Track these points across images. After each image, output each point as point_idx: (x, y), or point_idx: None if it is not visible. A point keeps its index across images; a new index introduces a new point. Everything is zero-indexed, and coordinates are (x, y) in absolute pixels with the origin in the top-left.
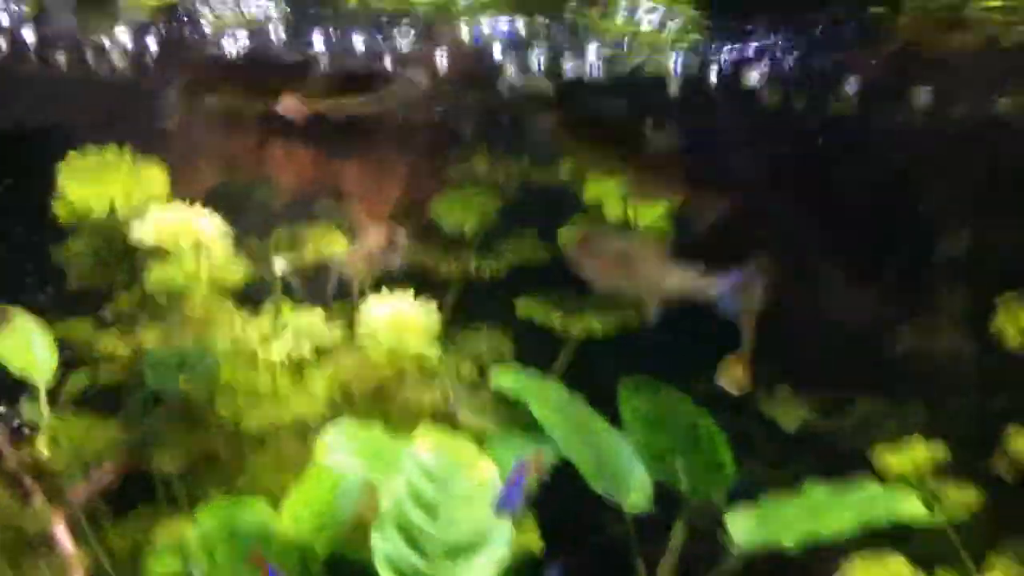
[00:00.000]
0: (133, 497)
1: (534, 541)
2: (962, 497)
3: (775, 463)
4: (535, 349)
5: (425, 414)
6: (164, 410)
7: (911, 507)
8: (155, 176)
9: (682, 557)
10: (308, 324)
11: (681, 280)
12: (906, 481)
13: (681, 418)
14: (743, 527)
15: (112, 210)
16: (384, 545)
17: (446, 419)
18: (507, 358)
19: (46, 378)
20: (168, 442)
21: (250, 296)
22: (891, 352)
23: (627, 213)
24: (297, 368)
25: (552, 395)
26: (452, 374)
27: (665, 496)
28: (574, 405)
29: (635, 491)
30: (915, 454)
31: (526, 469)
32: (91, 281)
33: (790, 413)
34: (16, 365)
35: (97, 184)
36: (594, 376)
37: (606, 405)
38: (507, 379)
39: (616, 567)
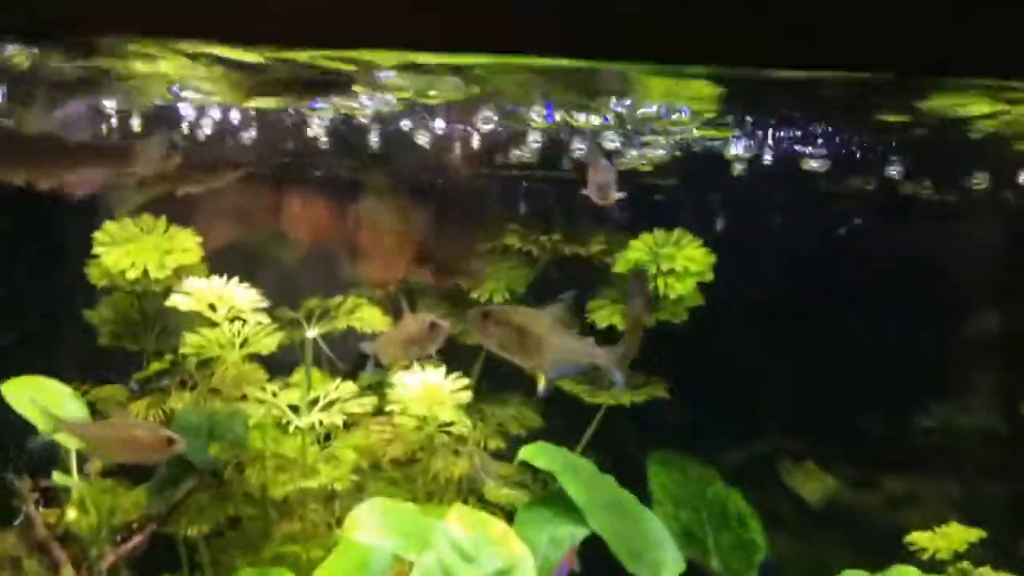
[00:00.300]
0: (158, 564)
1: None
2: None
3: (802, 537)
4: (561, 420)
5: (453, 485)
6: (193, 476)
7: None
8: (187, 243)
9: None
10: (339, 394)
11: (571, 351)
12: (941, 564)
13: (711, 496)
14: None
15: (145, 275)
16: None
17: (473, 490)
18: (534, 429)
19: (77, 444)
20: (196, 508)
21: (281, 364)
22: (920, 430)
23: (657, 284)
24: (327, 437)
25: (582, 471)
26: (480, 445)
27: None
28: (604, 481)
29: (667, 570)
30: (951, 536)
31: (569, 562)
32: (121, 345)
33: (815, 487)
34: (48, 430)
35: (131, 251)
36: (620, 446)
37: (632, 474)
38: (537, 455)
39: None
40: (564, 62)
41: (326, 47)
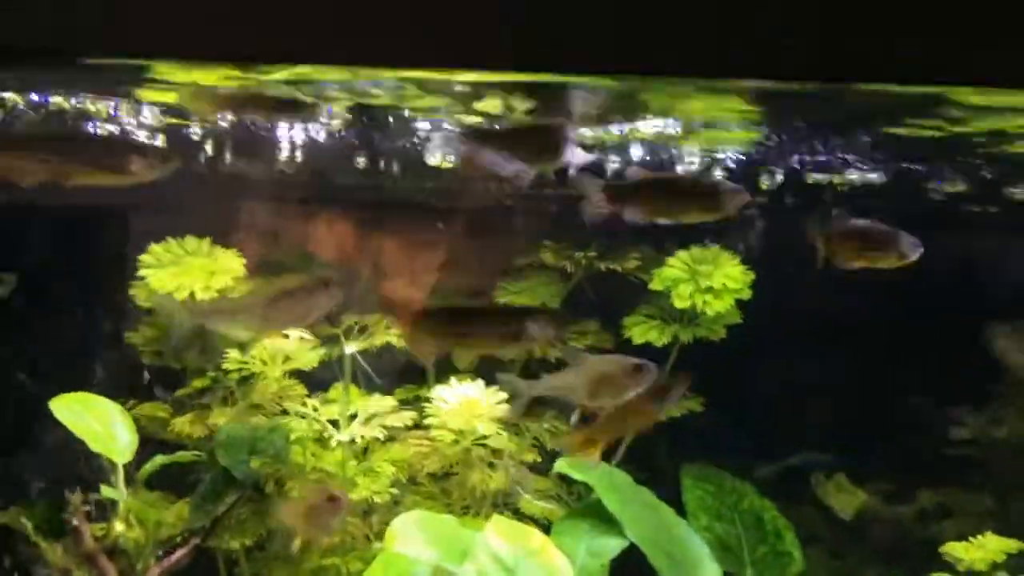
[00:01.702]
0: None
1: None
2: None
3: (835, 552)
4: None
5: (489, 498)
6: (235, 490)
7: None
8: (232, 264)
9: None
10: (378, 408)
11: None
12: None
13: (746, 508)
14: None
15: (192, 297)
16: None
17: (508, 503)
18: None
19: (126, 458)
20: (237, 522)
21: (320, 379)
22: (953, 442)
23: (695, 301)
24: (364, 451)
25: (619, 483)
26: (516, 459)
27: None
28: (640, 493)
29: None
30: (987, 546)
31: None
32: (165, 363)
33: (847, 501)
34: (97, 445)
35: (177, 273)
36: (653, 460)
37: (666, 488)
38: (574, 468)
39: None
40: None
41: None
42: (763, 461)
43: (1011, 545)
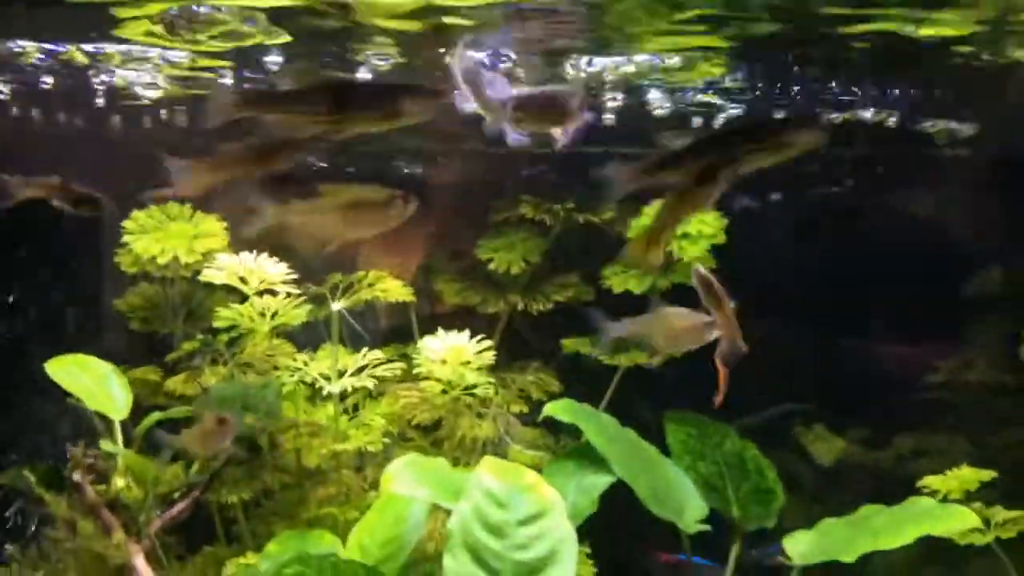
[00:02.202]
0: (201, 530)
1: (587, 571)
2: (1010, 517)
3: (816, 497)
4: (580, 385)
5: (478, 448)
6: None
7: (966, 518)
8: (214, 229)
9: None
10: (367, 361)
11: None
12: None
13: (728, 449)
14: (802, 547)
15: (175, 260)
16: (455, 566)
17: (497, 453)
18: (554, 394)
19: (122, 416)
20: (234, 477)
21: (306, 338)
22: (927, 386)
23: (671, 247)
24: (355, 408)
25: (606, 424)
26: (503, 408)
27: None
28: (627, 434)
29: (691, 513)
30: (963, 477)
31: None
32: (153, 328)
33: (827, 448)
34: (93, 404)
35: (160, 238)
36: (634, 411)
37: (648, 436)
38: (562, 411)
39: None
40: None
41: None
42: (744, 413)
43: (985, 475)
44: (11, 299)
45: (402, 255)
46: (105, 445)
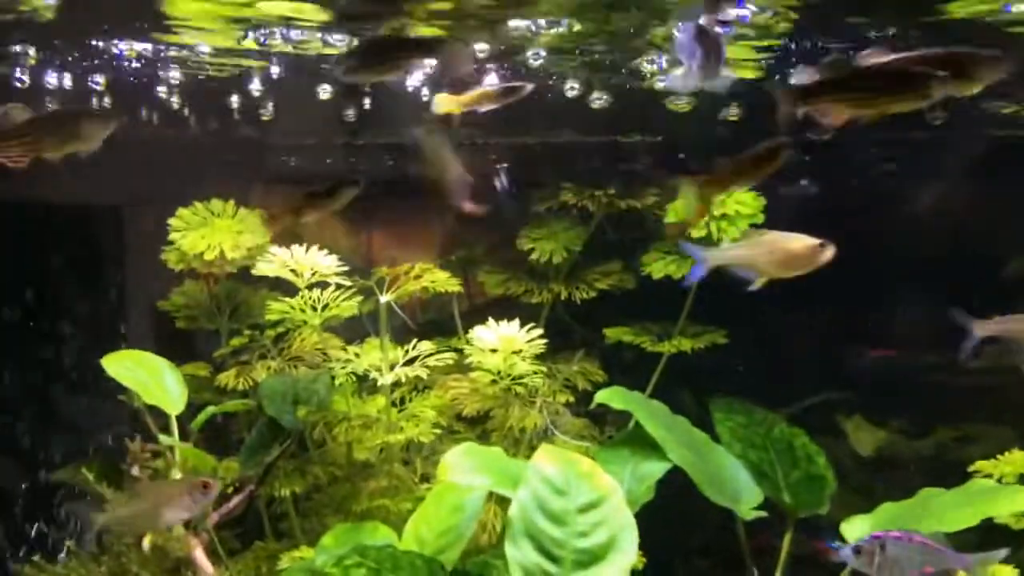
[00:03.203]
0: (248, 531)
1: (639, 561)
2: None
3: (859, 488)
4: (623, 375)
5: (526, 438)
6: (282, 439)
7: None
8: (256, 225)
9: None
10: (417, 352)
11: None
12: None
13: (777, 436)
14: (860, 532)
15: (221, 255)
16: (517, 554)
17: (544, 442)
18: (598, 383)
19: (178, 410)
20: (287, 470)
21: (346, 334)
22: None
23: (710, 230)
24: (402, 400)
25: (658, 411)
26: (550, 398)
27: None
28: (679, 421)
29: (747, 500)
30: (1015, 461)
31: None
32: (198, 326)
33: (867, 439)
34: (149, 398)
35: (206, 234)
36: (677, 398)
37: (694, 423)
38: (614, 398)
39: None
40: None
41: None
42: (784, 402)
43: None
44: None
45: (419, 249)
46: (163, 439)
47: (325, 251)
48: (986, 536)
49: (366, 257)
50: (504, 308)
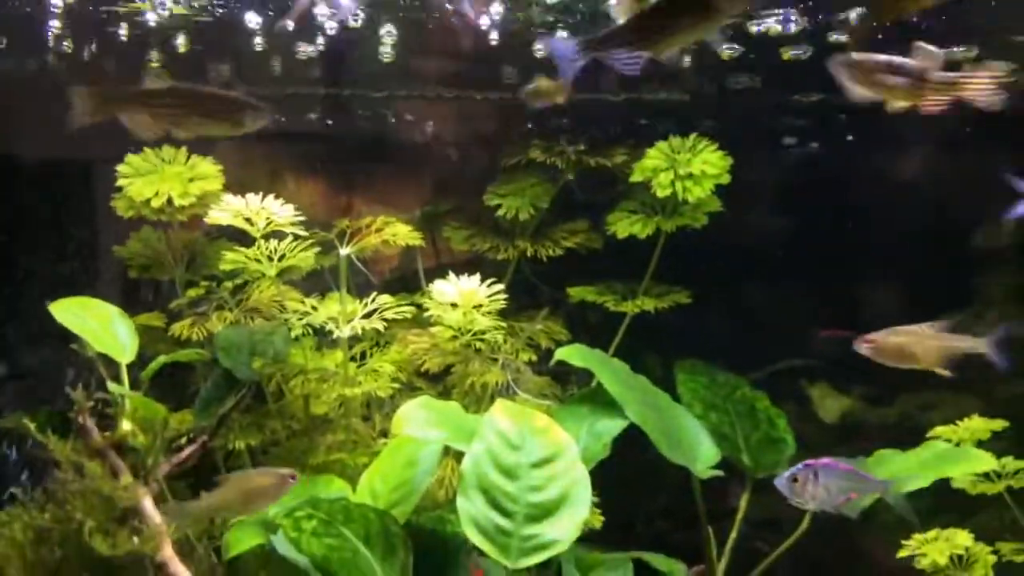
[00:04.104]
0: (203, 482)
1: (596, 520)
2: (1021, 466)
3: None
4: (587, 334)
5: (487, 394)
6: (237, 390)
7: (982, 460)
8: (209, 172)
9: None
10: (376, 306)
11: (955, 347)
12: None
13: (738, 398)
14: None
15: (169, 203)
16: (469, 507)
17: (505, 399)
18: (562, 342)
19: (129, 359)
20: (242, 422)
21: (309, 289)
22: None
23: (675, 189)
24: (363, 355)
25: (618, 369)
26: (512, 356)
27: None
28: (639, 380)
29: (704, 459)
30: (973, 427)
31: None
32: (154, 275)
33: (833, 404)
34: (99, 346)
35: (155, 180)
36: (640, 359)
37: (658, 383)
38: (574, 355)
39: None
40: None
41: None
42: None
43: (996, 424)
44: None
45: (396, 205)
46: (113, 388)
47: (281, 201)
48: (940, 502)
49: (332, 213)
50: (473, 267)
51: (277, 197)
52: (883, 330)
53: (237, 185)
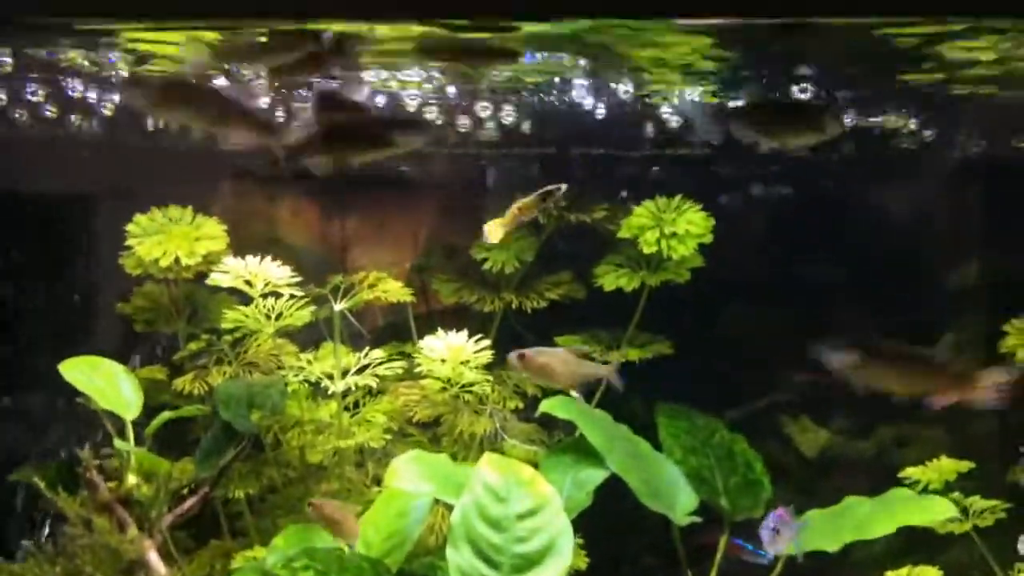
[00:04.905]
0: (202, 530)
1: (581, 561)
2: (987, 506)
3: (802, 487)
4: None
5: (476, 443)
6: (236, 443)
7: (943, 508)
8: (214, 232)
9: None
10: (369, 360)
11: (585, 372)
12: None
13: (717, 441)
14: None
15: (177, 262)
16: (457, 558)
17: (494, 448)
18: (548, 390)
19: (134, 415)
20: (241, 473)
21: (305, 336)
22: None
23: (661, 247)
24: (356, 405)
25: (600, 420)
26: (499, 405)
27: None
28: (620, 430)
29: (682, 506)
30: (942, 468)
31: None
32: (157, 329)
33: (812, 439)
34: (105, 403)
35: (162, 240)
36: (626, 405)
37: (640, 429)
38: (558, 407)
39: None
40: None
41: None
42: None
43: (962, 466)
44: None
45: (393, 254)
46: (119, 444)
47: (278, 262)
48: (911, 540)
49: (329, 256)
50: (460, 315)
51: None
52: (533, 348)
53: None
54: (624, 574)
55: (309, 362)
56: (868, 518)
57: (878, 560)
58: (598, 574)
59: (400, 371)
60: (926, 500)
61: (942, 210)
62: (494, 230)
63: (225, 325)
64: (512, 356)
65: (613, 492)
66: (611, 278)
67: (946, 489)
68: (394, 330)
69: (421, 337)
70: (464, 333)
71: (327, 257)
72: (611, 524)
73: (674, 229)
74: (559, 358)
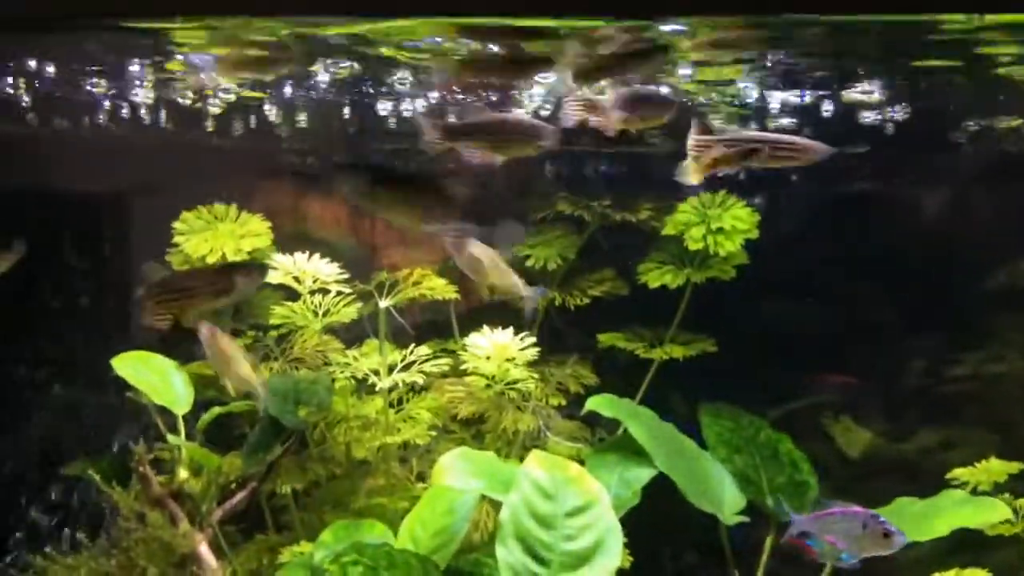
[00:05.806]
0: (249, 524)
1: (625, 561)
2: None
3: (844, 488)
4: (615, 378)
5: (519, 440)
6: (283, 438)
7: (998, 510)
8: (258, 229)
9: (771, 570)
10: (415, 356)
11: (511, 282)
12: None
13: (763, 441)
14: None
15: (223, 259)
16: (507, 555)
17: (537, 446)
18: (591, 387)
19: (185, 410)
20: (288, 468)
21: (348, 333)
22: (951, 381)
23: (707, 243)
24: (400, 401)
25: (646, 418)
26: (543, 402)
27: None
28: (666, 428)
29: (730, 505)
30: (991, 469)
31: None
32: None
33: (854, 439)
34: (157, 398)
35: (209, 238)
36: (668, 403)
37: (683, 428)
38: (603, 405)
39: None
40: None
41: None
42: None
43: (1013, 467)
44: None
45: (425, 252)
46: (171, 439)
47: (327, 259)
48: (958, 542)
49: (369, 254)
50: (500, 311)
51: None
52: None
53: None
54: (667, 573)
55: (355, 358)
56: (921, 519)
57: (924, 561)
58: (640, 574)
59: (445, 368)
60: (980, 502)
61: None
62: (691, 171)
63: (273, 321)
64: (450, 236)
65: (653, 490)
66: (655, 275)
67: (995, 491)
68: (433, 327)
69: (462, 334)
70: (509, 330)
71: (368, 254)
72: (660, 517)
73: (720, 224)
74: (492, 259)
